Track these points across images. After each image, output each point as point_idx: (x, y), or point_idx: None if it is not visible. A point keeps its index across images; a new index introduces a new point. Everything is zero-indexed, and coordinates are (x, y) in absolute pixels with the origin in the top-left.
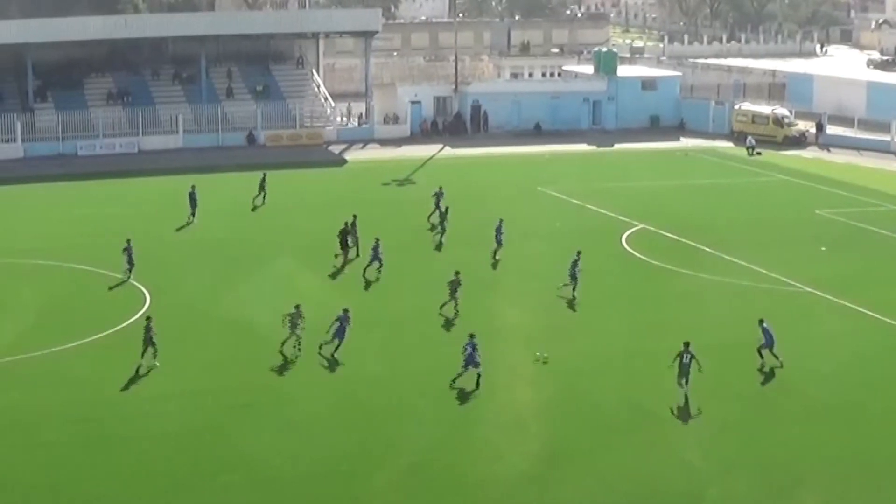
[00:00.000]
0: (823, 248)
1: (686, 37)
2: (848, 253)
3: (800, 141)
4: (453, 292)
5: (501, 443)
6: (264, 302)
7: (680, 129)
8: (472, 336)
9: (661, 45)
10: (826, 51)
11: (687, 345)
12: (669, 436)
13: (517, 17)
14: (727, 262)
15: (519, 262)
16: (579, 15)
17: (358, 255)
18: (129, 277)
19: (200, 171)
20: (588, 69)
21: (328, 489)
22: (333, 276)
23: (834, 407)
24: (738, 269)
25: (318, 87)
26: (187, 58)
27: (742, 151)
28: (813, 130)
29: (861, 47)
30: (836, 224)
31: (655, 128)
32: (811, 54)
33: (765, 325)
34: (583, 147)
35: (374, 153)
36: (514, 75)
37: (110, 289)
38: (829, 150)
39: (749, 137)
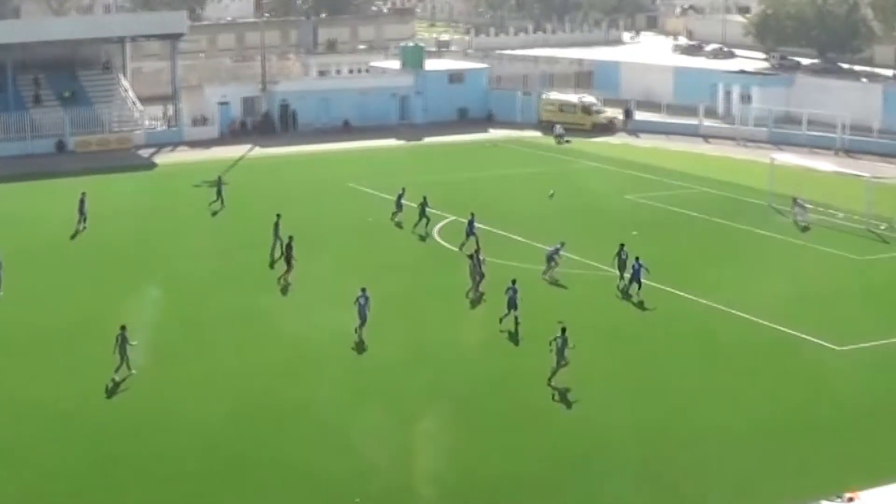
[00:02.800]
0: (635, 233)
1: (492, 29)
2: (658, 236)
3: (608, 128)
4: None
5: None
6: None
7: (488, 121)
8: (514, 282)
9: (468, 38)
10: (638, 37)
11: (563, 329)
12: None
13: (323, 15)
14: (539, 251)
15: (335, 258)
16: (385, 11)
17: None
18: None
19: (9, 181)
20: (395, 64)
21: None
22: (134, 281)
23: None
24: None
25: (126, 91)
26: None
27: (551, 140)
28: (621, 117)
29: (667, 33)
30: (646, 208)
31: (464, 120)
32: (618, 42)
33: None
34: (392, 142)
35: (183, 155)
36: (322, 73)
37: None
38: (637, 136)
39: (557, 126)
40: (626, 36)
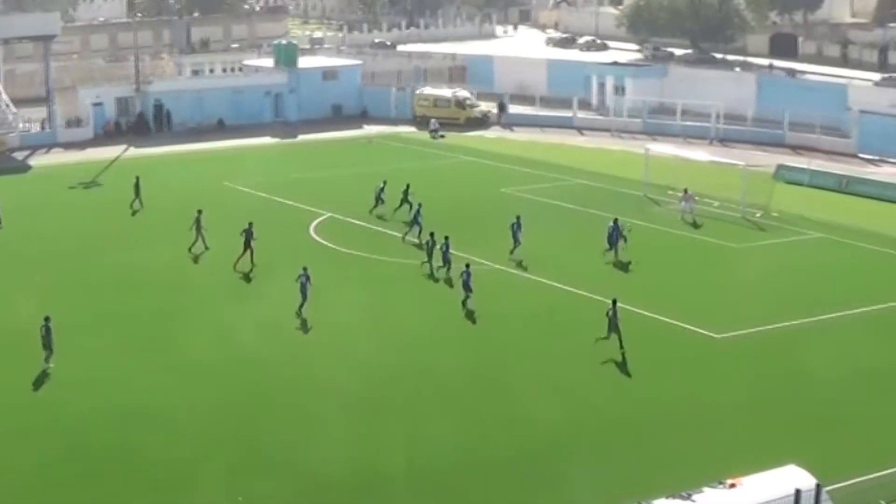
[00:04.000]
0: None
1: (365, 25)
2: (535, 229)
3: (482, 121)
4: None
5: None
6: None
7: (363, 117)
8: (467, 266)
9: (341, 35)
10: (516, 31)
11: (614, 302)
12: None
13: (196, 15)
14: (415, 245)
15: (215, 255)
16: (258, 9)
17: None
18: None
19: None
20: (269, 63)
21: None
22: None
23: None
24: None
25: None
26: None
27: (425, 135)
28: (495, 111)
29: (541, 26)
30: (522, 201)
31: (338, 117)
32: (491, 36)
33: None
34: (267, 140)
35: (58, 157)
36: (196, 72)
37: None
38: (512, 129)
39: (432, 121)
40: (500, 30)
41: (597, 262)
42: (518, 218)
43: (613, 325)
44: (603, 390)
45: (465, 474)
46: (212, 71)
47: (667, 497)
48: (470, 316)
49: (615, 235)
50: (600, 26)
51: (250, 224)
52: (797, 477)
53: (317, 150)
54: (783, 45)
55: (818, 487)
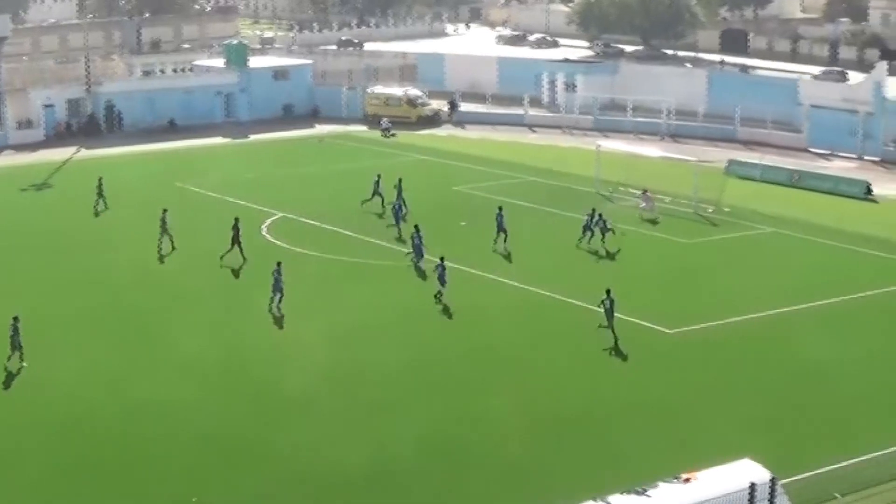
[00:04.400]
0: (463, 223)
1: (316, 25)
2: (487, 226)
3: (434, 120)
4: None
5: None
6: None
7: (314, 116)
8: (442, 259)
9: (292, 35)
10: (468, 29)
11: (608, 291)
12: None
13: (146, 15)
14: (368, 244)
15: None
16: (208, 9)
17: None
18: None
19: None
20: (219, 63)
21: None
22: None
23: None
24: (378, 251)
25: None
26: None
27: (377, 134)
28: (446, 109)
29: (491, 24)
30: (474, 198)
31: (290, 116)
32: (441, 34)
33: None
34: (218, 140)
35: (8, 159)
36: (147, 73)
37: None
38: (463, 127)
39: (383, 119)
40: (450, 28)
41: (549, 258)
42: (500, 209)
43: (609, 313)
44: (557, 386)
45: (416, 472)
46: (163, 71)
47: (622, 492)
48: (447, 311)
49: (590, 226)
50: (551, 23)
51: (237, 220)
52: (752, 471)
53: (268, 149)
54: (733, 41)
55: (773, 481)
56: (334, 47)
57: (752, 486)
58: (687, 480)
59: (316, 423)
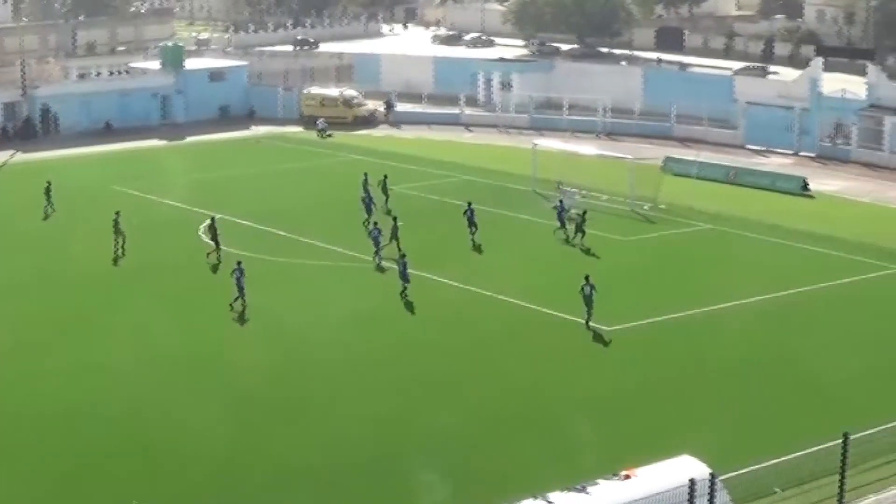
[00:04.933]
0: (400, 223)
1: (252, 26)
2: (423, 225)
3: (370, 120)
4: None
5: None
6: None
7: (250, 118)
8: (403, 255)
9: (227, 36)
10: (406, 29)
11: (587, 277)
12: None
13: (82, 18)
14: (305, 245)
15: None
16: (143, 11)
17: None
18: None
19: None
20: (155, 65)
21: None
22: None
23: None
24: (316, 251)
25: None
26: None
27: (313, 135)
28: (382, 109)
29: (426, 24)
30: (410, 198)
31: (226, 118)
32: (377, 34)
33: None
34: (155, 142)
35: None
36: (82, 76)
37: None
38: (400, 127)
39: (319, 120)
40: (386, 28)
41: (486, 259)
42: (469, 204)
43: (588, 300)
44: (495, 385)
45: (357, 473)
46: (98, 74)
47: (562, 490)
48: (409, 307)
49: (562, 216)
50: (486, 22)
51: (213, 219)
52: (691, 466)
53: (205, 151)
54: (669, 39)
55: (712, 476)
56: (289, 48)
57: (692, 482)
58: (627, 477)
59: (264, 421)
